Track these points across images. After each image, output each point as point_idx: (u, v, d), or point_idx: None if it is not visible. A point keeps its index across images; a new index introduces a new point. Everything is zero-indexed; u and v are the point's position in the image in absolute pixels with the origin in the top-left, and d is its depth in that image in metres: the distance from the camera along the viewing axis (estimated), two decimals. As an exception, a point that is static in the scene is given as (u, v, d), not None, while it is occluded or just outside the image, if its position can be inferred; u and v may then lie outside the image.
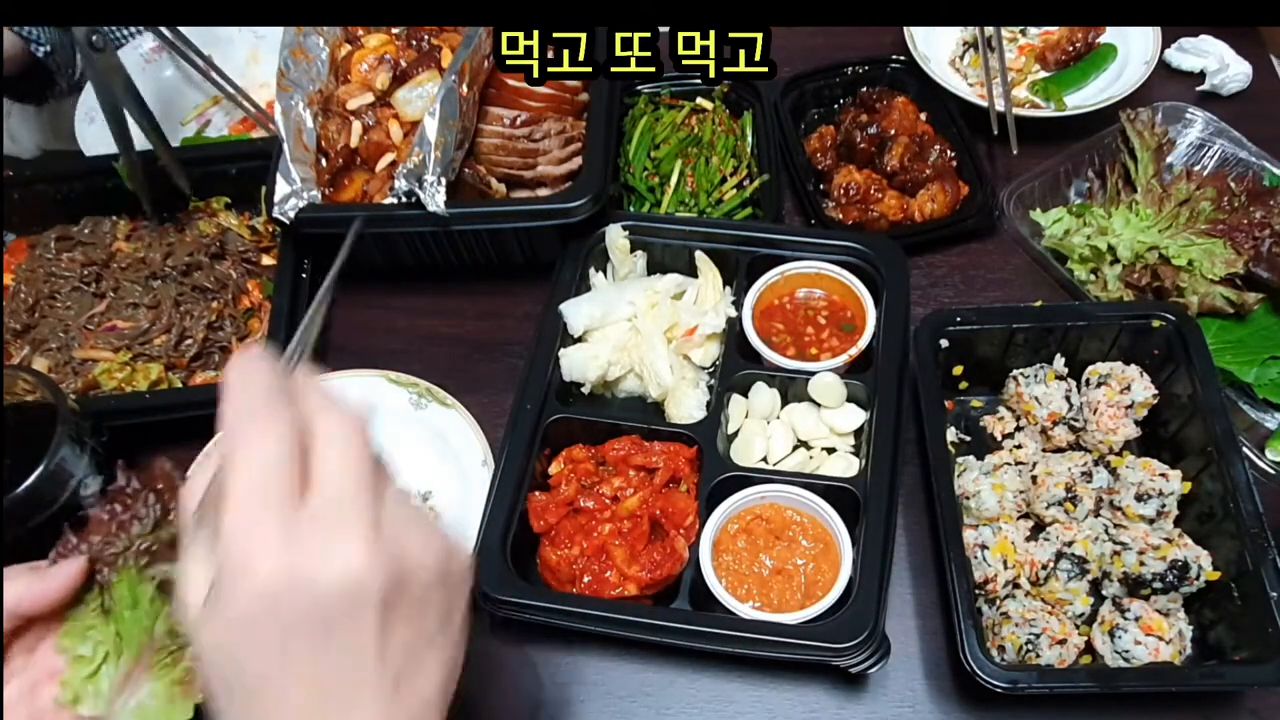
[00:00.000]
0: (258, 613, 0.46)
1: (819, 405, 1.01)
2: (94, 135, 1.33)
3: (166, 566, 0.78)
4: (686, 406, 1.02)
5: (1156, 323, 0.98)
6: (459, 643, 0.54)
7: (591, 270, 1.12)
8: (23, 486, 0.86)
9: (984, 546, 0.91)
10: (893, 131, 1.25)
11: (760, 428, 1.01)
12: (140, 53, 1.41)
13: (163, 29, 1.38)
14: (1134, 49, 1.31)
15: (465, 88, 1.06)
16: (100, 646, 0.76)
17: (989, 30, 1.26)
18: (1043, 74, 1.35)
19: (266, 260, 1.21)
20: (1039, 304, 1.02)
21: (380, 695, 0.49)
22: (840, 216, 1.20)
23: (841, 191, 1.21)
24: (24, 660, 0.77)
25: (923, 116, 1.29)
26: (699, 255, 1.10)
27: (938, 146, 1.22)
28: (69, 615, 0.78)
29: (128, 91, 1.11)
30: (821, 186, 1.25)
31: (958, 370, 1.04)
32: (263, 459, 0.47)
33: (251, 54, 1.44)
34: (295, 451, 0.49)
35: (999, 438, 1.02)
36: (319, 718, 0.48)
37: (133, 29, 1.43)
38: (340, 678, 0.48)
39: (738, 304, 1.06)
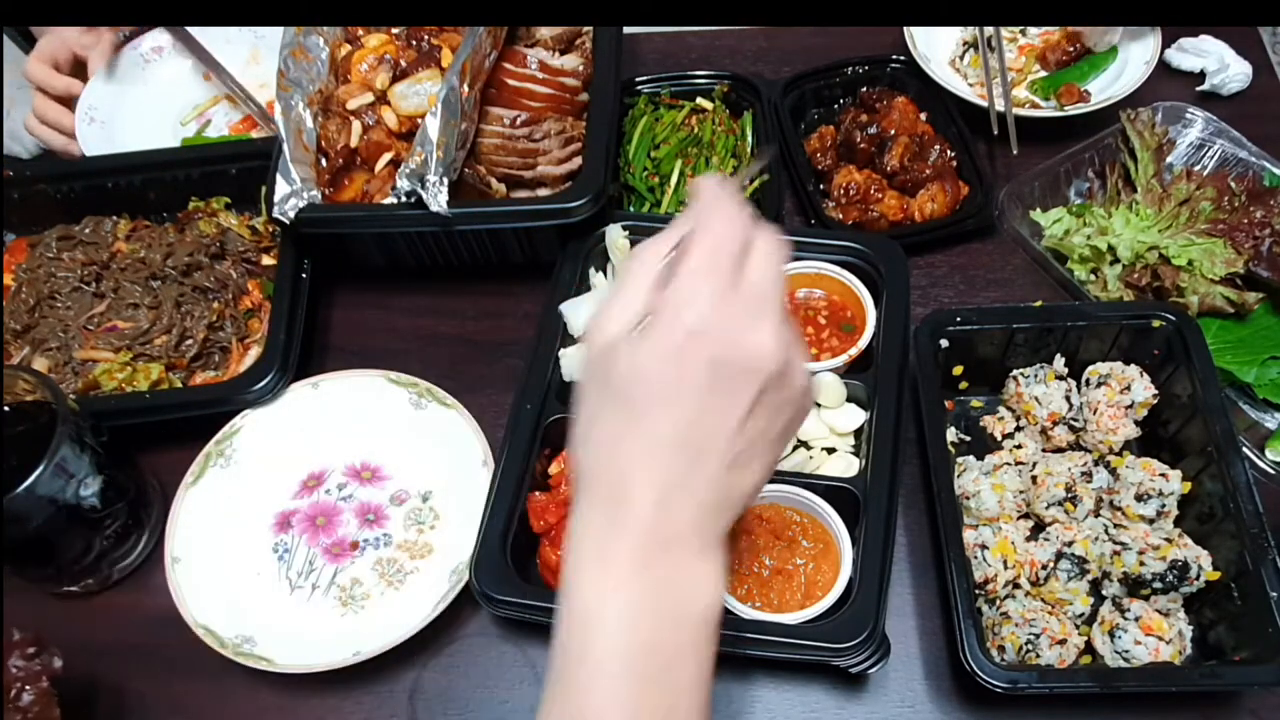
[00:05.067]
0: (677, 347, 0.56)
1: (819, 405, 1.01)
2: (94, 135, 1.33)
3: None
4: (686, 406, 1.02)
5: (1156, 323, 0.98)
6: (775, 464, 0.62)
7: (591, 270, 1.12)
8: (23, 486, 0.86)
9: (984, 546, 0.91)
10: (893, 131, 1.25)
11: (760, 428, 1.00)
12: (139, 52, 1.41)
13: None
14: (1134, 49, 1.31)
15: (466, 88, 1.06)
16: None
17: (989, 30, 1.26)
18: (1043, 73, 1.35)
19: (267, 260, 1.21)
20: (1039, 304, 1.02)
21: (721, 462, 0.57)
22: (840, 216, 1.20)
23: (841, 191, 1.21)
24: None
25: (923, 116, 1.29)
26: (699, 255, 1.10)
27: (938, 146, 1.22)
28: None
29: None
30: (821, 187, 1.25)
31: (958, 370, 1.04)
32: (719, 239, 0.57)
33: (252, 54, 1.44)
34: (743, 246, 0.58)
35: (999, 438, 1.02)
36: (672, 450, 0.56)
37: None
38: (704, 428, 0.56)
39: (738, 304, 1.06)
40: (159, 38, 1.42)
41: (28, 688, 0.81)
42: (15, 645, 0.82)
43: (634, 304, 0.59)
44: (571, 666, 0.57)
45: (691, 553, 0.57)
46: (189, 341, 1.12)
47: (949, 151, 1.22)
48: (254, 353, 1.14)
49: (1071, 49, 1.33)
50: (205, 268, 1.17)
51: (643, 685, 0.55)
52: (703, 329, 0.56)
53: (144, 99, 1.39)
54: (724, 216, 0.58)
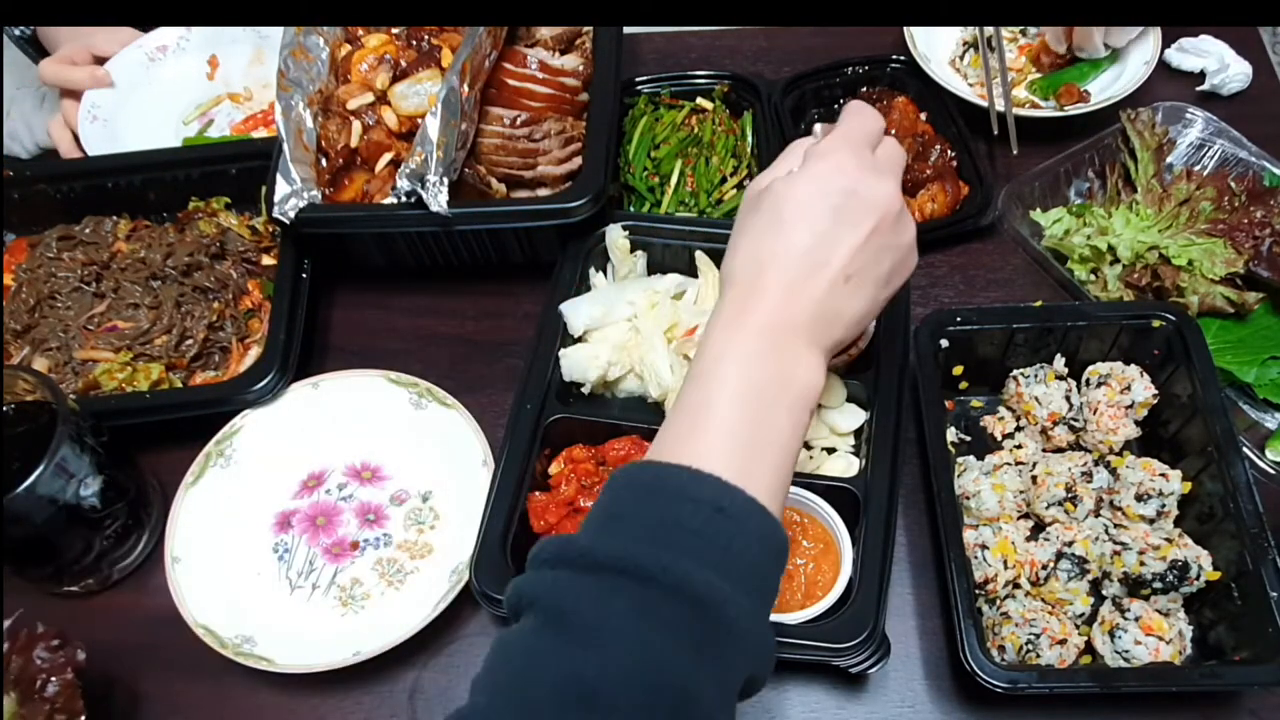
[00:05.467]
0: (820, 175, 0.72)
1: (819, 405, 1.01)
2: (96, 133, 1.33)
3: None
4: (686, 406, 1.02)
5: (1156, 323, 0.98)
6: (879, 305, 0.76)
7: (591, 270, 1.12)
8: (23, 486, 0.86)
9: (984, 546, 0.91)
10: (893, 132, 1.25)
11: (760, 428, 1.00)
12: (144, 50, 1.41)
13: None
14: (1134, 49, 1.31)
15: (466, 88, 1.06)
16: None
17: (989, 30, 1.26)
18: (1041, 73, 1.35)
19: (267, 260, 1.21)
20: (1039, 304, 1.02)
21: (836, 276, 0.71)
22: None
23: None
24: None
25: (923, 116, 1.29)
26: (699, 255, 1.10)
27: (938, 146, 1.22)
28: None
29: None
30: None
31: (958, 370, 1.04)
32: (866, 124, 0.76)
33: (255, 54, 1.44)
34: (877, 134, 0.76)
35: (999, 438, 1.02)
36: (801, 256, 0.71)
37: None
38: (828, 244, 0.71)
39: (738, 304, 1.06)
40: (164, 36, 1.42)
41: (53, 679, 0.81)
42: (39, 638, 0.83)
43: (787, 163, 0.77)
44: (691, 395, 0.68)
45: (802, 343, 0.70)
46: (189, 341, 1.12)
47: (949, 151, 1.22)
48: (254, 353, 1.14)
49: (1064, 55, 1.33)
50: (205, 268, 1.17)
51: (745, 416, 0.66)
52: (840, 168, 0.72)
53: (147, 98, 1.39)
54: (863, 113, 0.76)
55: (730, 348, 0.68)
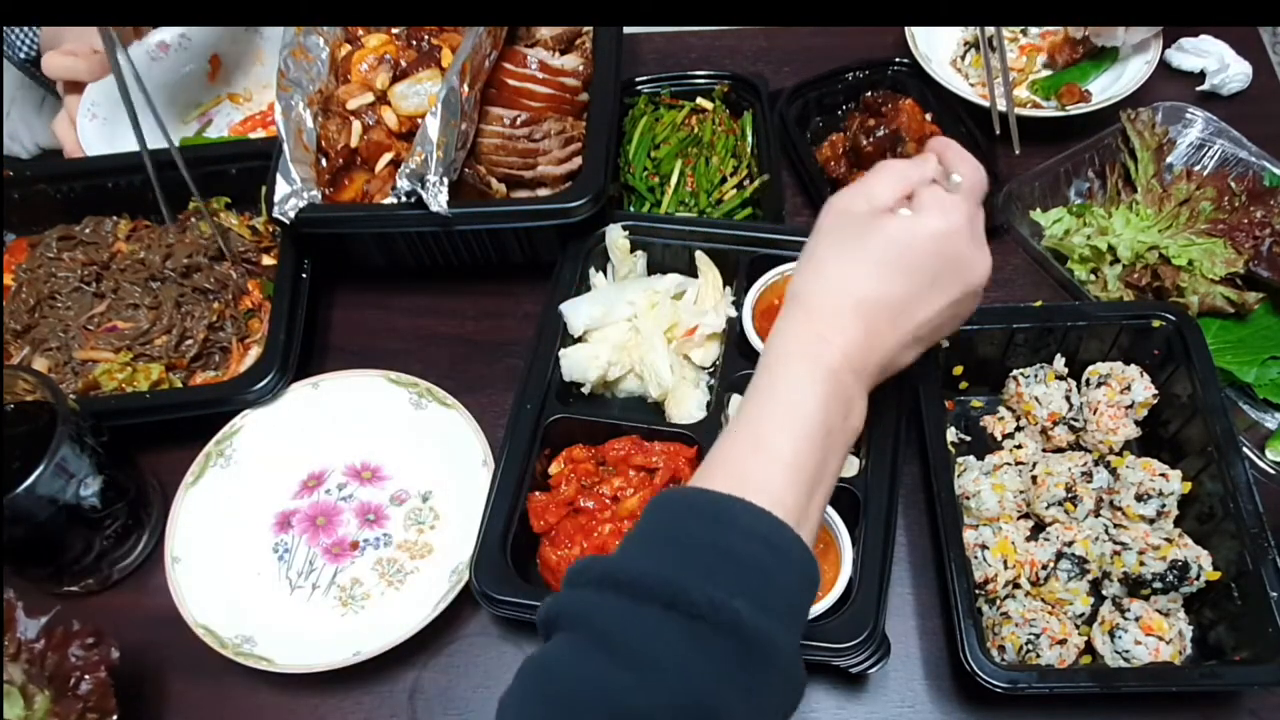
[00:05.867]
0: (938, 236, 0.72)
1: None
2: (95, 131, 1.33)
3: None
4: (687, 406, 1.02)
5: (1156, 323, 0.98)
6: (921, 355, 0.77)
7: (591, 270, 1.12)
8: (23, 486, 0.86)
9: (984, 546, 0.91)
10: (901, 134, 1.24)
11: (760, 428, 1.00)
12: (144, 49, 1.40)
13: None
14: (1134, 49, 1.31)
15: (466, 88, 1.06)
16: None
17: (990, 30, 1.26)
18: (1045, 73, 1.35)
19: (267, 260, 1.21)
20: (1039, 304, 1.02)
21: (908, 333, 0.73)
22: None
23: None
24: None
25: (927, 117, 1.29)
26: (699, 255, 1.10)
27: (947, 147, 1.22)
28: None
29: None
30: None
31: (958, 370, 1.04)
32: (977, 179, 0.76)
33: (256, 54, 1.44)
34: (983, 193, 0.77)
35: (999, 438, 1.02)
36: (890, 309, 0.72)
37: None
38: (915, 305, 0.72)
39: (738, 304, 1.06)
40: (165, 35, 1.42)
41: (86, 677, 0.81)
42: (75, 635, 0.82)
43: (896, 189, 0.74)
44: (759, 416, 0.68)
45: (863, 387, 0.71)
46: (189, 342, 1.12)
47: (958, 151, 1.22)
48: (254, 353, 1.14)
49: (1080, 48, 1.32)
50: (205, 269, 1.17)
51: (810, 457, 0.66)
52: (959, 231, 0.72)
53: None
54: (980, 169, 0.76)
55: (809, 384, 0.68)
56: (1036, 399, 0.99)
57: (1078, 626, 0.88)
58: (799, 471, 0.65)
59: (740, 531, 0.61)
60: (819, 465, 0.67)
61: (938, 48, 1.36)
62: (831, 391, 0.68)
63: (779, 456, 0.65)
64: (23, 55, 1.33)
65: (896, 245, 0.71)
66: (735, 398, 1.02)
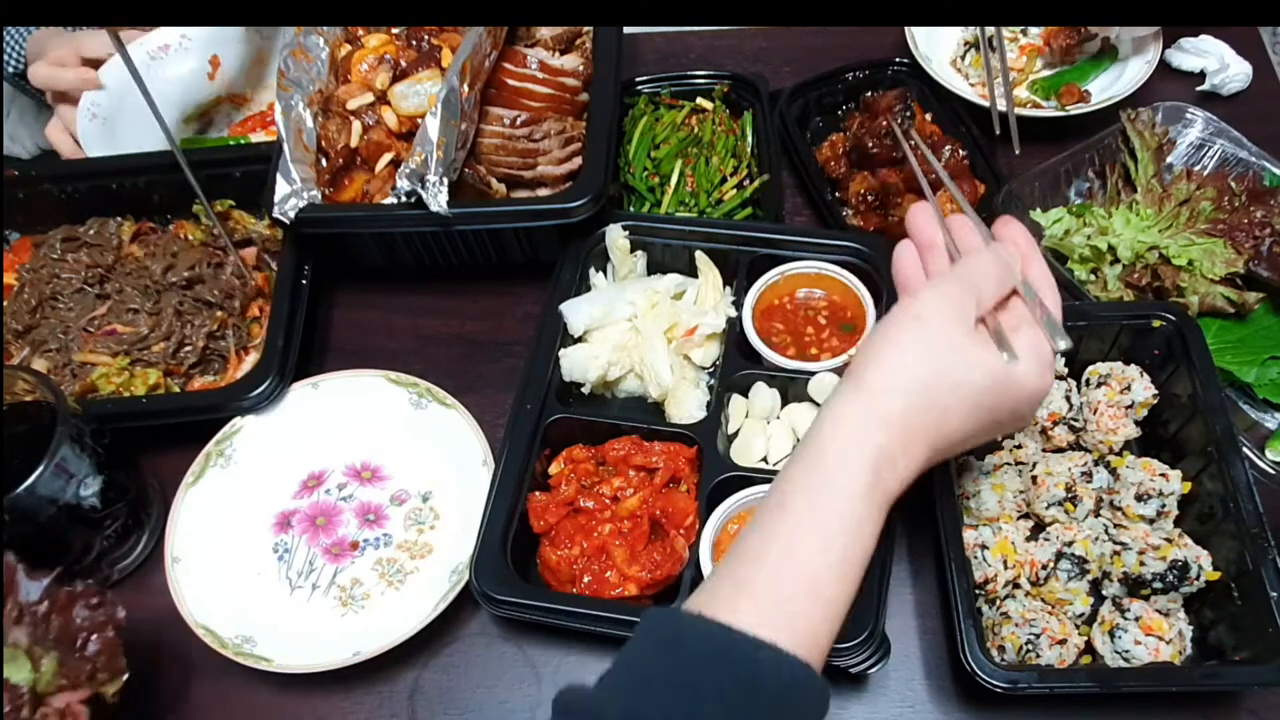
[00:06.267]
0: (1031, 399, 0.71)
1: (819, 405, 1.01)
2: (95, 132, 1.32)
3: None
4: (686, 406, 1.02)
5: (1156, 323, 0.98)
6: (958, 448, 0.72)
7: (591, 270, 1.12)
8: (23, 486, 0.86)
9: (984, 546, 0.91)
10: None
11: (760, 428, 1.01)
12: (145, 50, 1.40)
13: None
14: (1134, 49, 1.31)
15: (466, 88, 1.06)
16: None
17: (990, 30, 1.26)
18: (1045, 73, 1.35)
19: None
20: (1039, 304, 1.02)
21: (946, 454, 0.70)
22: (860, 224, 1.20)
23: (859, 199, 1.21)
24: None
25: (928, 118, 1.29)
26: (699, 255, 1.10)
27: (949, 147, 1.22)
28: None
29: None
30: (837, 195, 1.24)
31: (958, 370, 1.04)
32: (1050, 301, 0.74)
33: (256, 55, 1.44)
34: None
35: (999, 437, 1.02)
36: (958, 440, 0.69)
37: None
38: (975, 437, 0.70)
39: (738, 304, 1.06)
40: (165, 36, 1.42)
41: (94, 637, 0.80)
42: (79, 595, 0.81)
43: (999, 293, 0.72)
44: (798, 533, 0.63)
45: (895, 496, 0.68)
46: (187, 349, 1.12)
47: (960, 151, 1.22)
48: (252, 358, 1.14)
49: (1075, 34, 1.32)
50: (209, 279, 1.16)
51: (844, 588, 0.63)
52: (1046, 391, 0.71)
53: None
54: (1053, 284, 0.75)
55: (869, 514, 0.64)
56: (1036, 399, 0.99)
57: (1078, 626, 0.88)
58: (828, 605, 0.62)
59: (765, 680, 0.57)
60: (847, 593, 0.64)
61: (938, 48, 1.36)
62: (877, 520, 0.65)
63: (821, 592, 0.62)
64: (11, 69, 1.32)
65: (993, 393, 0.68)
66: (735, 398, 1.02)
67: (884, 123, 1.07)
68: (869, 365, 0.68)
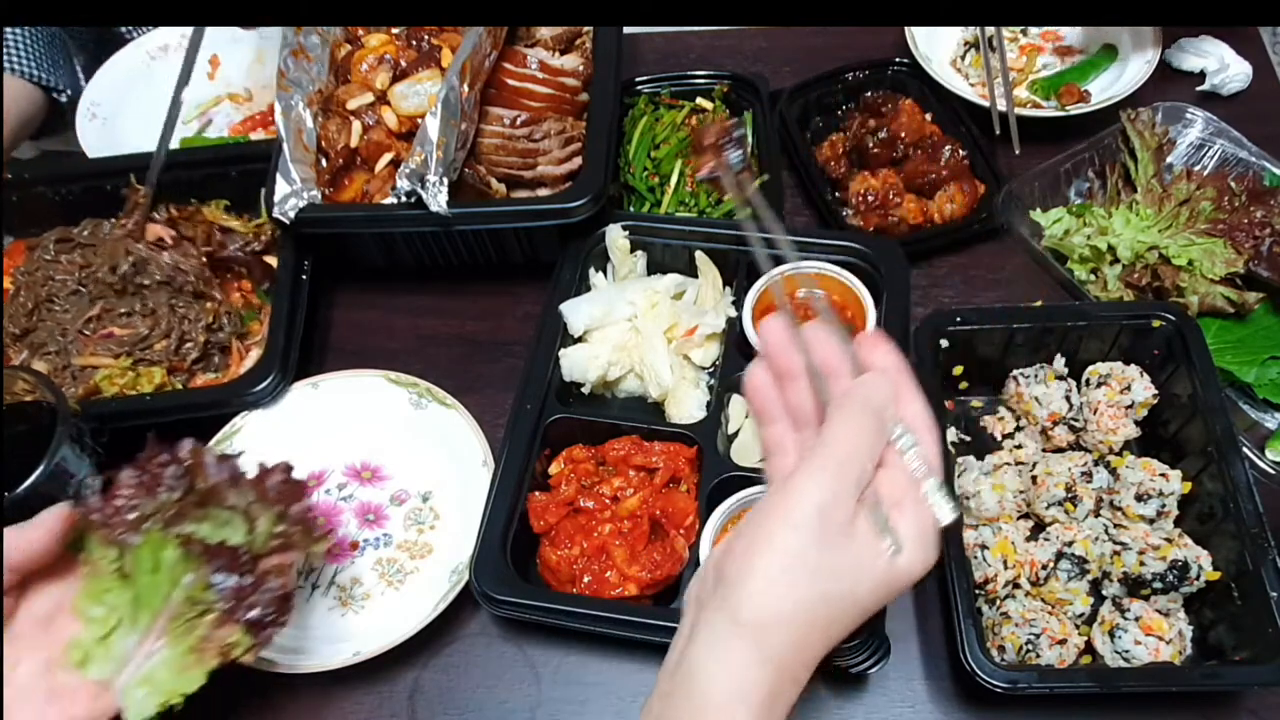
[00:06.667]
0: (908, 582, 0.60)
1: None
2: (94, 131, 1.32)
3: (194, 526, 0.77)
4: (686, 406, 1.02)
5: (1156, 323, 0.98)
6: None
7: (591, 270, 1.12)
8: (23, 486, 0.86)
9: (984, 546, 0.91)
10: (903, 134, 1.24)
11: (760, 428, 1.00)
12: (144, 49, 1.41)
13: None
14: (1134, 49, 1.31)
15: (466, 88, 1.06)
16: (115, 610, 0.75)
17: (990, 30, 1.26)
18: (1045, 73, 1.35)
19: (269, 260, 1.21)
20: (1039, 304, 1.02)
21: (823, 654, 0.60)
22: (860, 224, 1.20)
23: (859, 199, 1.21)
24: (39, 634, 0.75)
25: (928, 118, 1.29)
26: (699, 255, 1.10)
27: (949, 147, 1.22)
28: (85, 577, 0.76)
29: None
30: (837, 195, 1.24)
31: (958, 370, 1.04)
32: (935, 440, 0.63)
33: (256, 55, 1.44)
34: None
35: (999, 438, 1.02)
36: (838, 639, 0.60)
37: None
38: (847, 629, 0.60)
39: (738, 304, 1.06)
40: (165, 36, 1.42)
41: (292, 506, 0.80)
42: (269, 472, 0.81)
43: (853, 500, 0.59)
44: None
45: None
46: (189, 344, 1.12)
47: (960, 151, 1.22)
48: (254, 355, 1.14)
49: None
50: (186, 276, 1.16)
51: None
52: (929, 567, 0.60)
53: (146, 97, 1.39)
54: (930, 424, 0.63)
55: None
56: (1036, 399, 0.99)
57: (1078, 626, 0.88)
58: None
59: None
60: None
61: (938, 48, 1.36)
62: None
63: None
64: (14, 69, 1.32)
65: (876, 595, 0.60)
66: (735, 398, 1.02)
67: (704, 165, 0.76)
68: (747, 592, 0.58)
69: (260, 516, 0.79)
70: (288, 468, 0.83)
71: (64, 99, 1.35)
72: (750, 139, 1.27)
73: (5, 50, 1.29)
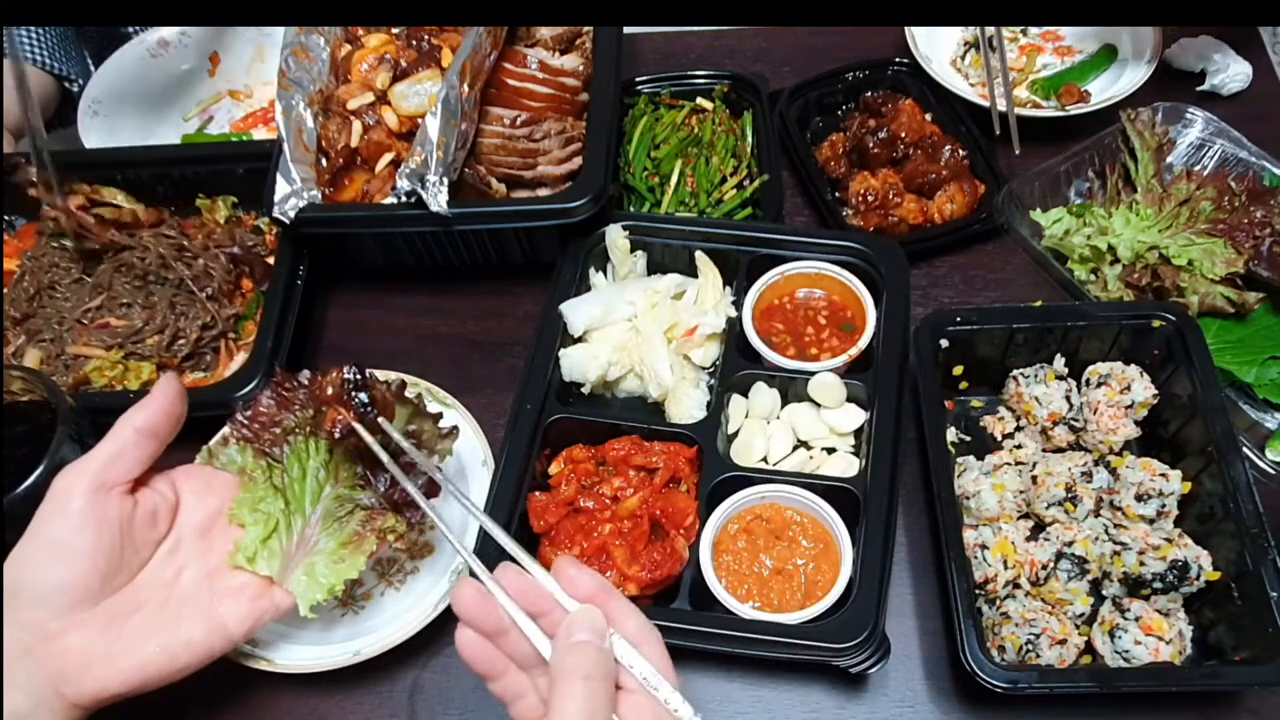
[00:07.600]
0: None
1: (819, 405, 1.01)
2: (96, 126, 1.33)
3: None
4: (686, 406, 1.02)
5: (1156, 323, 0.99)
6: None
7: (591, 270, 1.12)
8: (23, 486, 0.86)
9: (984, 546, 0.91)
10: (903, 134, 1.24)
11: (760, 428, 1.01)
12: (145, 46, 1.41)
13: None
14: (1134, 48, 1.31)
15: (466, 88, 1.06)
16: (271, 516, 0.82)
17: (989, 30, 1.26)
18: (1045, 73, 1.35)
19: (271, 260, 1.21)
20: (1039, 304, 1.02)
21: None
22: (861, 224, 1.20)
23: (859, 198, 1.21)
24: (198, 542, 0.81)
25: (928, 118, 1.29)
26: (699, 255, 1.10)
27: (949, 146, 1.22)
28: (242, 487, 0.84)
29: None
30: (837, 195, 1.24)
31: (958, 370, 1.04)
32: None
33: (257, 51, 1.44)
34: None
35: (999, 438, 1.02)
36: None
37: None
38: None
39: (738, 304, 1.06)
40: (165, 33, 1.42)
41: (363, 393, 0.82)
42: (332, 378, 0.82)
43: None
44: None
45: None
46: (181, 342, 1.12)
47: (960, 151, 1.22)
48: (241, 356, 1.14)
49: None
50: (198, 273, 1.16)
51: None
52: None
53: (147, 93, 1.39)
54: (654, 634, 0.64)
55: None
56: (1036, 399, 0.99)
57: (1078, 626, 0.88)
58: None
59: None
60: None
61: (938, 48, 1.36)
62: None
63: None
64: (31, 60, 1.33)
65: None
66: (735, 398, 1.02)
67: (332, 422, 0.81)
68: None
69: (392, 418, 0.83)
70: (403, 383, 0.87)
71: (76, 88, 1.36)
72: (750, 138, 1.27)
73: (20, 40, 1.30)
